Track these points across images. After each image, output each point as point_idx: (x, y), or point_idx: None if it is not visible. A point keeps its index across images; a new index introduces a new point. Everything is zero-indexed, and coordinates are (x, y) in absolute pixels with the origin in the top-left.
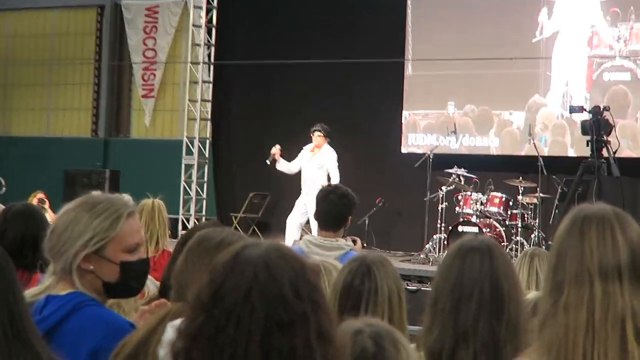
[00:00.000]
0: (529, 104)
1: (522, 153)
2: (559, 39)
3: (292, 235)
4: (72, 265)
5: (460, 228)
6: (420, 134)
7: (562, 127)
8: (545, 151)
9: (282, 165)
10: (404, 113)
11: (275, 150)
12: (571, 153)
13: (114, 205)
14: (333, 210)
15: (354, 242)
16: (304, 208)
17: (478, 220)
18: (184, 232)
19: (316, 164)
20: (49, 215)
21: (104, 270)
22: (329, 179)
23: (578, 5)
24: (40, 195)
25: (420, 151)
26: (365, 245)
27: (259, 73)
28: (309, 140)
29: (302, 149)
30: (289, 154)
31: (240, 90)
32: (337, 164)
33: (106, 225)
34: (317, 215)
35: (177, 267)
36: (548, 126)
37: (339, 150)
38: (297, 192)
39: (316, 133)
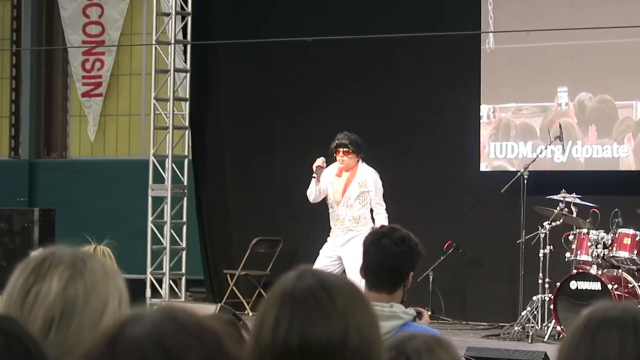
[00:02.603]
0: None
1: None
2: None
3: None
4: None
5: (573, 284)
6: (509, 142)
7: None
8: None
9: (313, 188)
10: (483, 109)
11: (321, 163)
12: None
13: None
14: (388, 262)
15: (420, 314)
16: (335, 263)
17: (600, 272)
18: (153, 301)
19: (353, 194)
20: None
21: None
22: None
23: None
24: None
25: (509, 167)
26: (429, 314)
27: (260, 56)
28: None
29: (319, 169)
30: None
31: (233, 82)
32: (382, 190)
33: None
34: (365, 270)
35: None
36: None
37: (386, 170)
38: (324, 234)
39: (341, 149)
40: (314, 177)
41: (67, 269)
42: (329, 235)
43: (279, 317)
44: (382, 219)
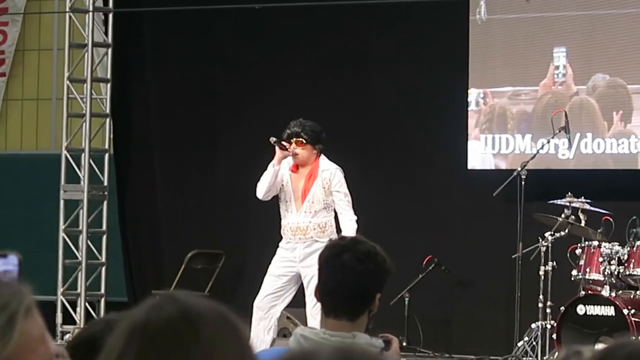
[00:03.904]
0: None
1: None
2: None
3: (262, 331)
4: None
5: (581, 309)
6: (503, 134)
7: None
8: None
9: (269, 175)
10: (472, 93)
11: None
12: None
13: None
14: (349, 283)
15: (387, 343)
16: (292, 283)
17: (614, 294)
18: (65, 329)
19: (317, 197)
20: None
21: None
22: (337, 224)
23: None
24: None
25: (503, 165)
26: (404, 344)
27: (198, 27)
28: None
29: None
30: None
31: (164, 60)
32: (347, 192)
33: None
34: (320, 292)
35: None
36: None
37: (353, 169)
38: (275, 247)
39: (294, 139)
40: (276, 144)
41: None
42: (277, 246)
43: (123, 356)
44: (350, 227)
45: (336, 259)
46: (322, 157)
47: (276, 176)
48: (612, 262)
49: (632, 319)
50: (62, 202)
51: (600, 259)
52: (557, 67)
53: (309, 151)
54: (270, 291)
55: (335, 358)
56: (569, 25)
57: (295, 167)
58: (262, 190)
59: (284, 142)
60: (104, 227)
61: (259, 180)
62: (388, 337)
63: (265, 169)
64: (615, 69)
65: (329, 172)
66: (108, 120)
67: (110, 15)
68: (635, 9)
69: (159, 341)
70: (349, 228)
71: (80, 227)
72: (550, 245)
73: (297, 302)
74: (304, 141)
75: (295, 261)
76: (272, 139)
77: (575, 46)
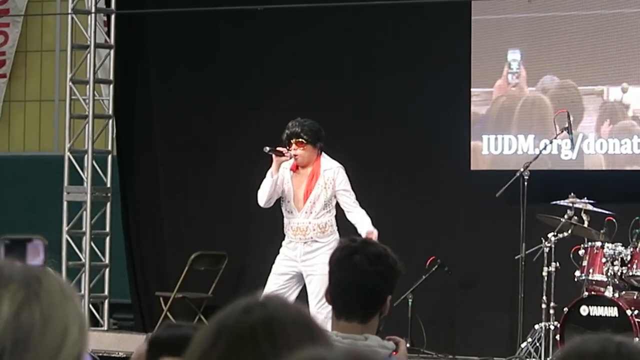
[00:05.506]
0: None
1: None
2: None
3: None
4: None
5: (584, 309)
6: (506, 134)
7: None
8: None
9: (268, 183)
10: (475, 93)
11: (285, 152)
12: None
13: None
14: (361, 285)
15: (395, 345)
16: (293, 281)
17: (617, 295)
18: None
19: (318, 198)
20: None
21: None
22: (338, 223)
23: None
24: None
25: (504, 166)
26: (408, 346)
27: (200, 29)
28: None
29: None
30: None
31: (167, 61)
32: (351, 190)
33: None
34: (332, 294)
35: None
36: None
37: (355, 170)
38: (279, 248)
39: (293, 140)
40: (271, 153)
41: (19, 289)
42: (281, 246)
43: (207, 355)
44: (366, 221)
45: (347, 260)
46: (324, 156)
47: (276, 184)
48: (615, 263)
49: (636, 319)
50: (65, 204)
51: (604, 260)
52: (510, 69)
53: (309, 151)
54: (274, 289)
55: None
56: (523, 27)
57: (296, 167)
58: (263, 199)
59: (279, 149)
60: (108, 229)
61: (259, 187)
62: (396, 339)
63: (267, 170)
64: (566, 71)
65: (332, 172)
66: (111, 121)
67: (113, 17)
68: (588, 10)
69: (239, 347)
70: (366, 222)
71: (84, 229)
72: (553, 246)
73: (301, 301)
74: (304, 141)
75: (296, 260)
76: (266, 149)
77: (528, 48)
